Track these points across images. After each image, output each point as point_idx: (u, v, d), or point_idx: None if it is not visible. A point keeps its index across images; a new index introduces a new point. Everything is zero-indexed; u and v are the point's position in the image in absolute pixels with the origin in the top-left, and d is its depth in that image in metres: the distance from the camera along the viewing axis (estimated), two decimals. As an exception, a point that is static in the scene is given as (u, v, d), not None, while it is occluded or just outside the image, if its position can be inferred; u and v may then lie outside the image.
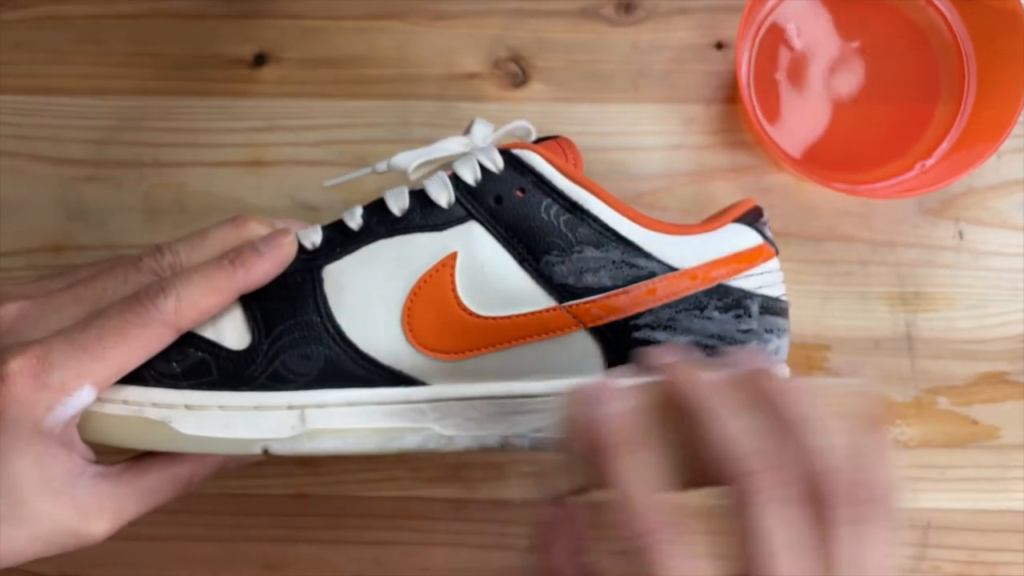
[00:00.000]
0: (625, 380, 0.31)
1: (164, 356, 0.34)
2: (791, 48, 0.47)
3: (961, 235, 0.47)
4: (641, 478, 0.28)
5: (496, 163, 0.36)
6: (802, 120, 0.47)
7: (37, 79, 0.47)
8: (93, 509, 0.33)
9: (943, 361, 0.46)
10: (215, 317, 0.35)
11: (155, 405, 0.34)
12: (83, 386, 0.31)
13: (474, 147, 0.38)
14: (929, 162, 0.46)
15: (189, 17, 0.48)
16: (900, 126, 0.47)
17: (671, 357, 0.31)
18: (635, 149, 0.47)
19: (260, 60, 0.48)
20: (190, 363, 0.34)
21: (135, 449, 0.34)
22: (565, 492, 0.31)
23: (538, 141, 0.38)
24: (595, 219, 0.35)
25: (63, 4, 0.48)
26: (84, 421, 0.33)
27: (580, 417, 0.30)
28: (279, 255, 0.35)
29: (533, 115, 0.47)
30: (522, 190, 0.36)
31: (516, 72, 0.48)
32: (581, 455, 0.30)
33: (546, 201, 0.35)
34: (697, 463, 0.29)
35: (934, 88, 0.47)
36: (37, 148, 0.47)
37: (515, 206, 0.35)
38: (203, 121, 0.47)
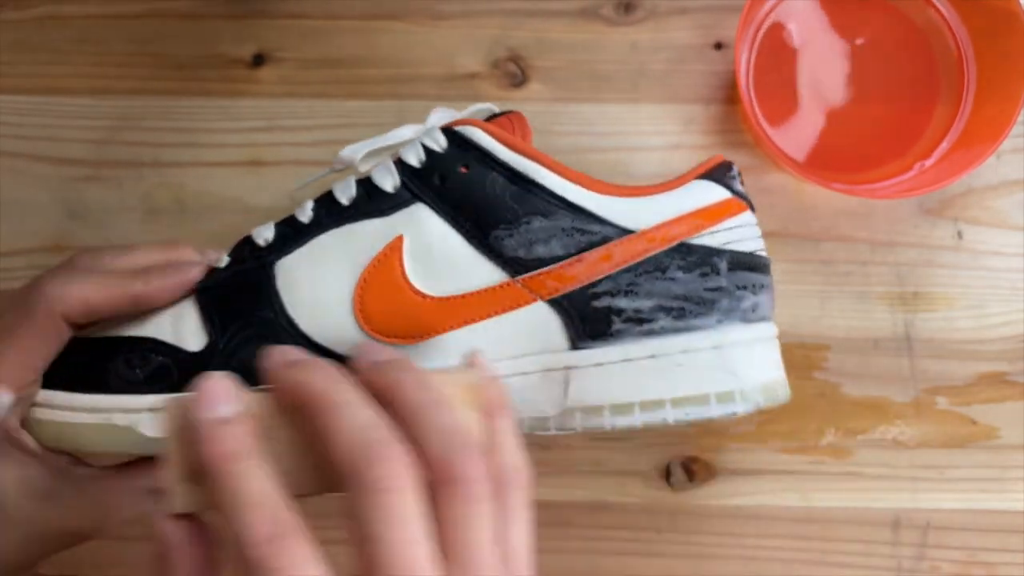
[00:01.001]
0: (236, 382, 0.28)
1: (128, 364, 0.34)
2: (790, 48, 0.47)
3: (960, 235, 0.47)
4: (256, 487, 0.26)
5: (439, 142, 0.36)
6: (801, 120, 0.47)
7: (37, 79, 0.47)
8: (86, 508, 0.33)
9: (942, 361, 0.46)
10: (174, 320, 0.35)
11: (122, 411, 0.34)
12: None
13: (424, 132, 0.37)
14: (928, 162, 0.46)
15: (189, 17, 0.48)
16: (899, 126, 0.47)
17: (290, 356, 0.29)
18: (634, 149, 0.47)
19: (259, 60, 0.48)
20: (152, 368, 0.34)
21: (109, 455, 0.35)
22: (183, 509, 0.27)
23: (491, 119, 0.38)
24: (542, 188, 0.35)
25: (63, 4, 0.48)
26: (56, 431, 0.34)
27: (188, 425, 0.27)
28: (177, 282, 0.35)
29: (532, 115, 0.46)
30: (466, 166, 0.35)
31: (515, 72, 0.48)
32: (194, 467, 0.27)
33: (491, 175, 0.35)
34: (321, 467, 0.28)
35: (934, 88, 0.47)
36: (37, 148, 0.47)
37: (460, 183, 0.35)
38: (203, 121, 0.47)
